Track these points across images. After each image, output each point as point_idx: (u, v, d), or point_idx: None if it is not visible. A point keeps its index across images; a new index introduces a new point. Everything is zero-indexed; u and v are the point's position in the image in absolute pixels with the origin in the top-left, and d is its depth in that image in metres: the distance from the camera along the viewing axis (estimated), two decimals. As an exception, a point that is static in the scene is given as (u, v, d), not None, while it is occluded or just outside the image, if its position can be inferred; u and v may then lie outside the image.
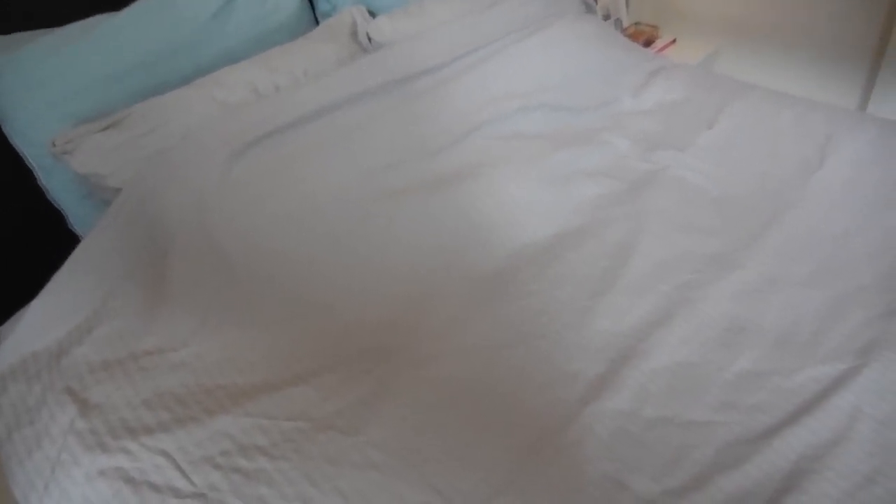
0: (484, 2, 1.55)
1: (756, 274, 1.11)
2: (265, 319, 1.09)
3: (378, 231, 1.19)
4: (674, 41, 2.58)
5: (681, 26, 2.60)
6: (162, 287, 1.10)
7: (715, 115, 1.57)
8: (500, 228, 1.24)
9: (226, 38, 1.35)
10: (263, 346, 1.06)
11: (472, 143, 1.35)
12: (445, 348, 1.04)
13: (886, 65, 2.16)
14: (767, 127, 1.51)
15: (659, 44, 2.56)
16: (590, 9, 1.74)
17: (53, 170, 1.21)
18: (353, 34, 1.42)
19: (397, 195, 1.24)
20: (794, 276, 1.09)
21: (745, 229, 1.22)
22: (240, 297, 1.10)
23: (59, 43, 1.18)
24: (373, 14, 1.50)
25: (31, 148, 1.20)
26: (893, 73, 2.17)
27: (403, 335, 1.07)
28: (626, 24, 2.56)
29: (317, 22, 1.57)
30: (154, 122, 1.18)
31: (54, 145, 1.13)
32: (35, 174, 1.23)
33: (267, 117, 1.22)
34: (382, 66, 1.34)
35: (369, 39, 1.45)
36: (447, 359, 1.02)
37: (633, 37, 2.47)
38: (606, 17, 2.40)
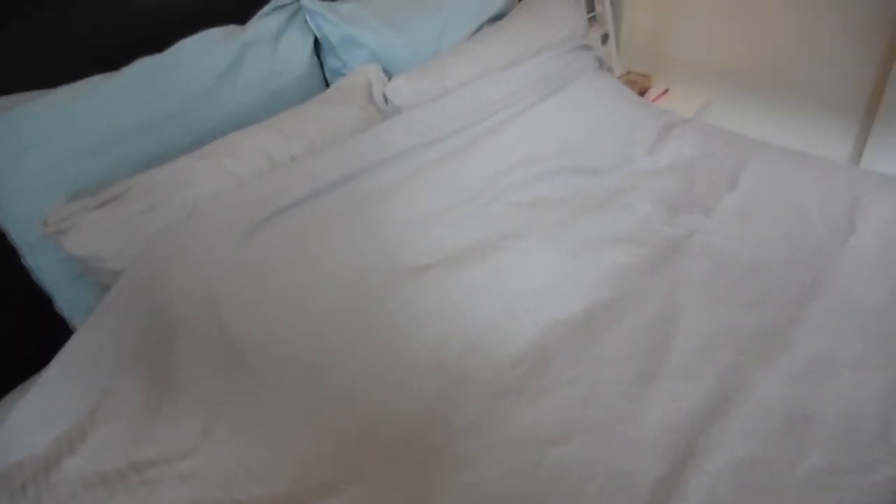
0: (503, 60, 1.49)
1: (807, 354, 1.06)
2: (281, 415, 0.98)
3: (400, 312, 1.10)
4: (666, 91, 2.58)
5: (672, 75, 2.60)
6: (166, 383, 0.99)
7: (735, 174, 1.54)
8: (529, 305, 1.17)
9: (233, 100, 1.25)
10: (281, 447, 0.95)
11: (495, 211, 1.28)
12: (484, 446, 0.96)
13: (880, 117, 2.18)
14: (790, 188, 1.48)
15: (652, 93, 2.54)
16: (602, 65, 1.70)
17: (40, 247, 1.08)
18: (369, 95, 1.34)
19: (419, 271, 1.15)
20: (847, 356, 1.05)
21: (785, 301, 1.18)
22: (253, 391, 0.99)
23: (51, 105, 1.06)
24: (386, 72, 1.42)
25: (16, 224, 1.07)
26: (887, 126, 2.18)
27: (435, 431, 0.98)
28: (617, 73, 2.54)
29: (325, 80, 1.48)
30: (158, 196, 1.07)
31: (46, 225, 1.01)
32: (19, 252, 1.09)
33: (282, 189, 1.12)
34: (402, 133, 1.26)
35: (385, 100, 1.36)
36: (488, 459, 0.93)
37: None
38: (600, 67, 2.38)
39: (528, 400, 1.01)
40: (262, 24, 1.32)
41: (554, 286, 1.20)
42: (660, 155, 1.61)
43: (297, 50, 1.36)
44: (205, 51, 1.22)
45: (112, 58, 1.17)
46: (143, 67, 1.16)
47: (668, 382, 1.03)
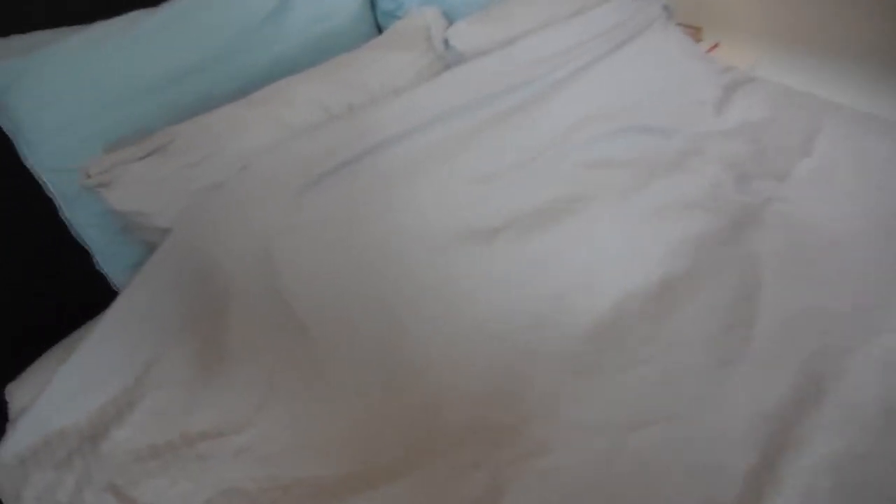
0: (570, 6, 1.36)
1: (902, 339, 0.97)
2: (343, 389, 0.92)
3: (466, 278, 1.02)
4: (717, 45, 2.43)
5: (723, 29, 2.45)
6: (217, 349, 0.92)
7: (808, 140, 1.43)
8: (601, 274, 1.09)
9: (280, 43, 1.14)
10: (343, 423, 0.89)
11: (563, 171, 1.18)
12: (559, 429, 0.89)
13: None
14: (866, 157, 1.38)
15: (703, 47, 2.40)
16: (670, 14, 1.57)
17: (78, 200, 1.00)
18: (429, 40, 1.22)
19: (487, 235, 1.06)
20: (947, 342, 0.96)
21: (871, 281, 1.09)
22: (312, 361, 0.92)
23: (86, 45, 0.96)
24: (444, 15, 1.30)
25: (52, 174, 0.98)
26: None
27: (506, 411, 0.92)
28: (668, 24, 2.39)
29: (377, 23, 1.36)
30: (207, 148, 0.97)
31: (89, 176, 0.91)
32: (56, 204, 1.01)
33: (341, 143, 1.02)
34: (467, 83, 1.15)
35: (446, 46, 1.25)
36: (564, 443, 0.87)
37: (680, 40, 2.30)
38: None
39: (604, 380, 0.94)
40: (311, -42, 1.19)
41: (625, 255, 1.12)
42: (727, 115, 1.50)
43: (348, -11, 1.25)
44: (252, -13, 1.10)
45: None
46: (186, 2, 1.05)
47: (752, 367, 0.96)
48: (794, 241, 1.17)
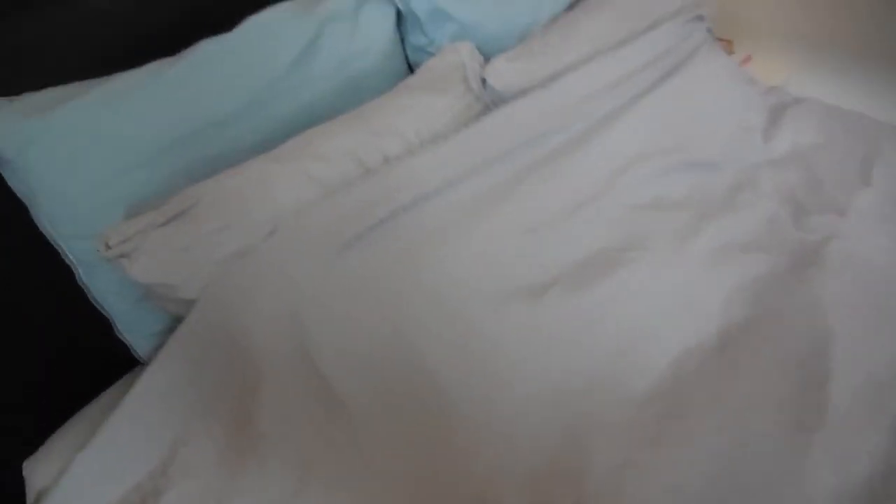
0: (614, 36, 1.28)
1: None
2: (385, 471, 0.84)
3: (515, 341, 0.94)
4: (749, 58, 2.34)
5: (755, 41, 2.36)
6: (249, 430, 0.85)
7: (867, 167, 1.34)
8: (657, 329, 1.01)
9: (307, 89, 1.06)
10: (387, 509, 0.80)
11: (612, 216, 1.10)
12: (627, 509, 0.80)
13: None
14: (934, 185, 1.28)
15: (734, 60, 2.30)
16: (712, 36, 1.49)
17: (97, 266, 0.93)
18: (465, 79, 1.14)
19: (535, 292, 0.98)
20: None
21: (961, 332, 1.00)
22: (351, 441, 0.85)
23: (104, 101, 0.89)
24: (479, 50, 1.22)
25: (69, 240, 0.91)
26: None
27: (566, 491, 0.83)
28: (698, 37, 2.30)
29: (408, 60, 1.28)
30: (233, 211, 0.90)
31: (108, 247, 0.85)
32: (74, 270, 0.94)
33: (377, 199, 0.95)
34: (509, 127, 1.07)
35: (483, 84, 1.17)
36: (632, 530, 0.79)
37: (712, 54, 2.21)
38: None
39: (668, 452, 0.86)
40: (339, -6, 1.12)
41: (681, 306, 1.04)
42: (776, 142, 1.41)
43: (378, 25, 1.16)
44: (278, 29, 1.03)
45: (168, 40, 0.99)
46: (209, 51, 0.97)
47: (832, 434, 0.87)
48: (860, 285, 1.09)
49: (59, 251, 0.92)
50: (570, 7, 1.39)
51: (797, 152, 1.40)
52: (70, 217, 0.90)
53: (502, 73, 1.15)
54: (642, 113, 1.20)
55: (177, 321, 0.93)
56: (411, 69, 1.29)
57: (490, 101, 1.16)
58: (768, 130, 1.44)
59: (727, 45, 2.38)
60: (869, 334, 1.00)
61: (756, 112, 1.47)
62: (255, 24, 1.01)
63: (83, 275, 0.94)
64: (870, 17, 2.04)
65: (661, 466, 0.84)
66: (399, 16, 1.24)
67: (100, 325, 0.99)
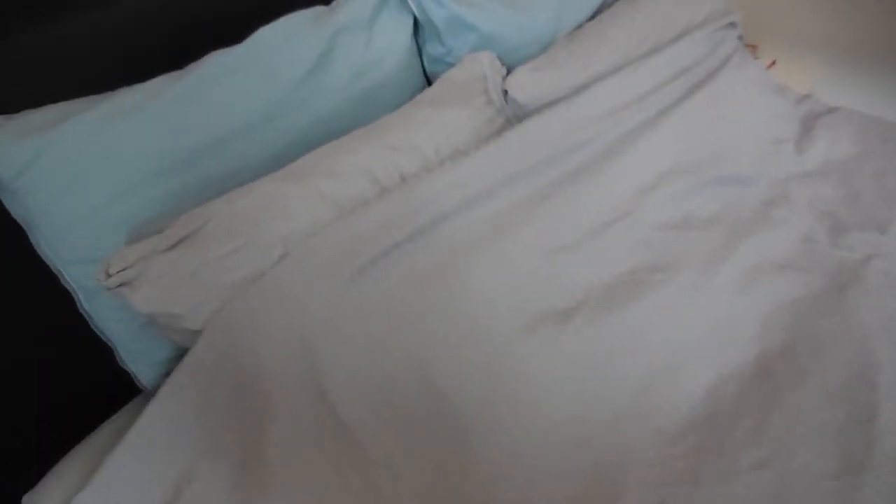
0: (641, 46, 1.22)
1: None
2: (404, 510, 0.78)
3: (537, 371, 0.89)
4: (774, 63, 2.27)
5: (780, 46, 2.29)
6: (259, 469, 0.79)
7: (908, 179, 1.27)
8: (690, 356, 0.96)
9: (320, 102, 1.00)
10: (405, 553, 0.75)
11: (641, 236, 1.04)
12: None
13: None
14: (978, 200, 1.21)
15: (758, 65, 2.24)
16: (742, 40, 1.42)
17: (99, 292, 0.88)
18: (486, 92, 1.08)
19: (559, 318, 0.93)
20: None
21: None
22: (367, 482, 0.79)
23: (105, 119, 0.84)
24: (500, 60, 1.16)
25: (70, 266, 0.86)
26: None
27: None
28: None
29: (425, 71, 1.23)
30: (242, 234, 0.84)
31: (109, 275, 0.80)
32: (74, 296, 0.90)
33: (394, 221, 0.89)
34: (530, 143, 1.01)
35: (505, 97, 1.11)
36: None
37: (736, 60, 2.14)
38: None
39: (707, 493, 0.81)
40: (353, 2, 1.06)
41: (716, 331, 0.99)
42: (810, 154, 1.35)
43: (394, 35, 1.11)
44: (290, 40, 0.97)
45: (174, 53, 0.94)
46: (218, 63, 0.92)
47: (883, 475, 0.82)
48: (906, 308, 1.02)
49: (59, 276, 0.87)
50: (595, 15, 1.33)
51: (832, 165, 1.33)
52: (70, 241, 0.85)
53: (525, 84, 1.09)
54: (671, 126, 1.14)
55: (183, 349, 0.89)
56: (429, 81, 1.23)
57: (512, 114, 1.10)
58: (801, 142, 1.38)
59: (752, 49, 2.32)
60: (917, 364, 0.94)
61: (788, 123, 1.41)
62: (265, 36, 0.96)
63: (84, 301, 0.89)
64: (897, 21, 1.97)
65: (694, 506, 0.79)
66: (416, 25, 1.18)
67: (102, 352, 0.94)
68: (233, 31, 0.96)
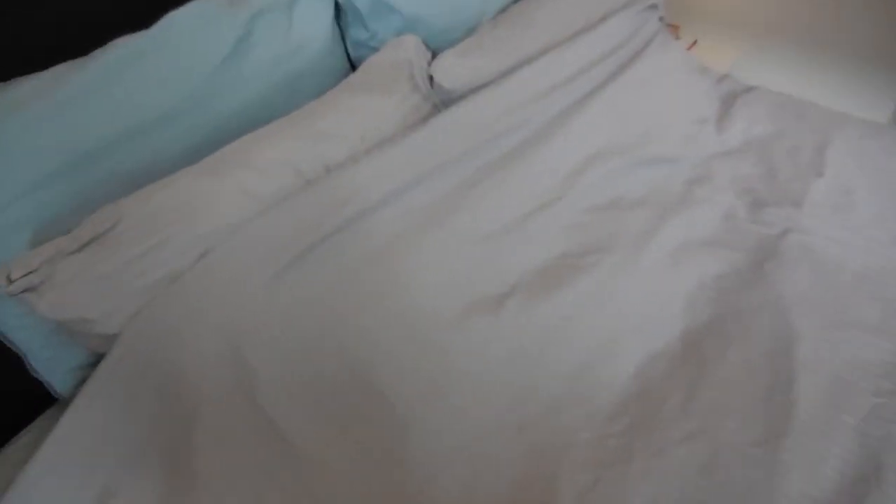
0: (567, 28, 1.22)
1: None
2: (341, 508, 0.77)
3: (473, 359, 0.89)
4: (695, 43, 2.33)
5: (702, 26, 2.35)
6: (187, 474, 0.76)
7: (819, 156, 1.34)
8: (622, 336, 0.98)
9: (238, 91, 0.96)
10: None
11: (571, 219, 1.05)
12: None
13: (934, 74, 1.98)
14: (884, 174, 1.29)
15: (680, 46, 2.29)
16: (664, 20, 1.45)
17: (2, 298, 0.82)
18: (411, 77, 1.06)
19: (491, 304, 0.93)
20: None
21: (918, 323, 1.00)
22: (301, 482, 0.78)
23: (5, 108, 0.78)
24: (425, 44, 1.14)
25: (-32, 271, 0.80)
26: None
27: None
28: (644, 23, 2.27)
29: (348, 56, 1.19)
30: (158, 232, 0.80)
31: (10, 281, 0.74)
32: (-25, 304, 0.83)
33: (320, 214, 0.86)
34: (458, 130, 1.00)
35: (430, 82, 1.09)
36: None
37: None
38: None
39: (640, 469, 0.84)
40: (272, -14, 1.02)
41: (644, 310, 1.02)
42: (730, 133, 1.40)
43: (315, 19, 1.06)
44: (203, 26, 0.92)
45: (79, 40, 0.88)
46: (123, 51, 0.86)
47: (801, 439, 0.86)
48: (820, 280, 1.09)
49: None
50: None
51: (751, 142, 1.38)
52: (-34, 245, 0.78)
53: (451, 69, 1.08)
54: (598, 109, 1.15)
55: (99, 355, 0.84)
56: (353, 66, 1.20)
57: (439, 100, 1.09)
58: (721, 121, 1.42)
59: (674, 30, 2.37)
60: (830, 332, 0.99)
61: (709, 102, 1.45)
62: (176, 21, 0.90)
63: (-16, 306, 0.83)
64: (815, 2, 2.06)
65: (633, 482, 0.81)
66: (338, 8, 1.14)
67: (10, 361, 0.88)
68: (140, 15, 0.90)
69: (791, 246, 1.14)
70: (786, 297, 1.04)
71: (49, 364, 0.89)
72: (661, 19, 1.45)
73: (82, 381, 0.86)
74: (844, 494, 0.79)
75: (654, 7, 1.39)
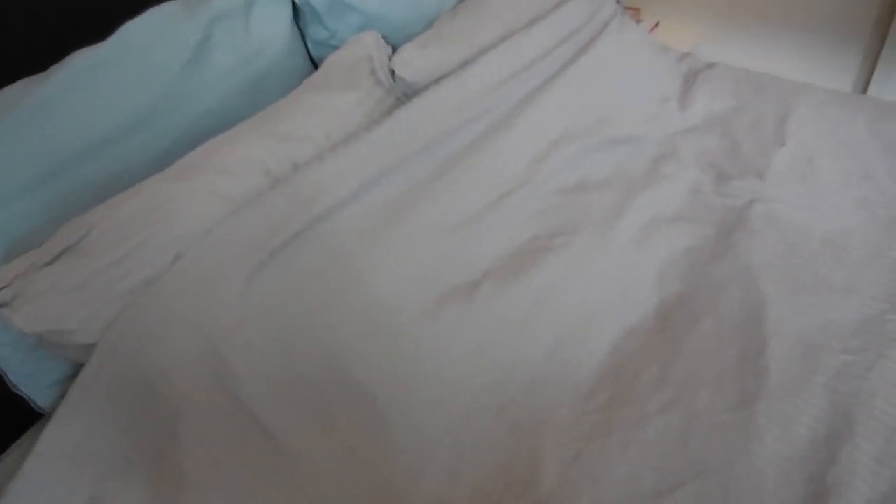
0: (524, 16, 1.23)
1: (927, 346, 0.92)
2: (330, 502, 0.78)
3: (450, 346, 0.90)
4: (657, 24, 2.36)
5: (663, 7, 2.39)
6: (174, 479, 0.77)
7: (780, 127, 1.37)
8: (595, 315, 1.01)
9: (202, 96, 0.97)
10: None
11: (539, 203, 1.07)
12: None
13: (890, 44, 2.02)
14: (845, 139, 1.32)
15: (643, 27, 2.32)
16: (622, 3, 1.47)
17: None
18: (373, 72, 1.07)
19: (464, 291, 0.95)
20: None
21: (881, 282, 1.03)
22: (287, 477, 0.79)
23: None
24: (386, 40, 1.15)
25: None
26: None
27: (520, 493, 0.80)
28: (606, 8, 2.29)
29: (310, 55, 1.20)
30: (130, 238, 0.80)
31: (-15, 296, 0.74)
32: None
33: (290, 212, 0.87)
34: (421, 121, 1.01)
35: (393, 77, 1.10)
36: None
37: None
38: None
39: (620, 441, 0.85)
40: (225, -11, 1.02)
41: (616, 287, 1.04)
42: (692, 109, 1.43)
43: (274, 21, 1.07)
44: (160, 34, 0.93)
45: (36, 55, 0.88)
46: (83, 63, 0.87)
47: (773, 402, 0.89)
48: (787, 246, 1.11)
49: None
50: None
51: (713, 117, 1.41)
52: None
53: (412, 62, 1.09)
54: (559, 93, 1.17)
55: (79, 366, 0.84)
56: (315, 65, 1.21)
57: (402, 93, 1.10)
58: (683, 98, 1.45)
59: (635, 13, 2.40)
60: (799, 296, 1.02)
61: (670, 80, 1.48)
62: (133, 30, 0.91)
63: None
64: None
65: (613, 454, 0.82)
66: (296, 9, 1.15)
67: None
68: (95, 28, 0.90)
69: (757, 216, 1.16)
70: (754, 266, 1.07)
71: (29, 379, 0.89)
72: (618, 2, 1.47)
73: (63, 395, 0.87)
74: (818, 451, 0.81)
75: (609, -11, 1.41)
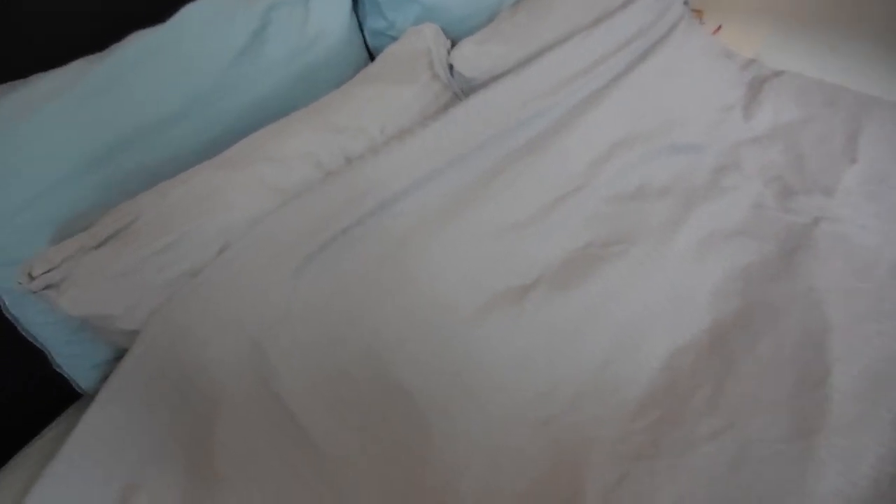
0: (588, 15, 1.19)
1: None
2: (365, 505, 0.76)
3: (495, 353, 0.88)
4: (720, 27, 2.28)
5: (726, 10, 2.30)
6: (208, 474, 0.76)
7: (851, 142, 1.29)
8: (647, 329, 0.96)
9: (256, 83, 0.95)
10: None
11: (595, 209, 1.03)
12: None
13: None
14: (920, 157, 1.23)
15: (706, 30, 2.24)
16: (688, 5, 1.41)
17: (26, 295, 0.82)
18: (431, 66, 1.04)
19: (514, 296, 0.91)
20: None
21: (958, 315, 0.96)
22: (324, 481, 0.77)
23: (19, 110, 0.78)
24: (444, 32, 1.12)
25: (-10, 268, 0.81)
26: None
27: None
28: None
29: (367, 46, 1.18)
30: (177, 227, 0.79)
31: (32, 278, 0.74)
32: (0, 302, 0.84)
33: (341, 206, 0.85)
34: (479, 119, 0.98)
35: (451, 71, 1.07)
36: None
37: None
38: None
39: (667, 465, 0.81)
40: (285, -24, 1.00)
41: (670, 302, 0.99)
42: (757, 119, 1.36)
43: (332, 9, 1.05)
44: (218, 19, 0.91)
45: (95, 34, 0.87)
46: (141, 46, 0.86)
47: (835, 436, 0.83)
48: (853, 268, 1.05)
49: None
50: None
51: (779, 129, 1.34)
52: (-12, 242, 0.79)
53: (471, 57, 1.05)
54: (621, 96, 1.12)
55: (122, 350, 0.84)
56: (372, 56, 1.19)
57: (459, 89, 1.07)
58: (748, 107, 1.38)
59: (697, 14, 2.32)
60: (865, 324, 0.96)
61: (735, 88, 1.41)
62: (191, 14, 0.89)
63: (10, 305, 0.83)
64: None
65: (660, 479, 0.79)
66: (355, -2, 1.13)
67: (34, 357, 0.88)
68: (155, 10, 0.89)
69: (822, 235, 1.10)
70: (817, 288, 1.01)
71: (72, 360, 0.89)
72: (685, 3, 1.41)
73: (106, 377, 0.86)
74: (882, 495, 0.76)
75: (678, -10, 1.35)
